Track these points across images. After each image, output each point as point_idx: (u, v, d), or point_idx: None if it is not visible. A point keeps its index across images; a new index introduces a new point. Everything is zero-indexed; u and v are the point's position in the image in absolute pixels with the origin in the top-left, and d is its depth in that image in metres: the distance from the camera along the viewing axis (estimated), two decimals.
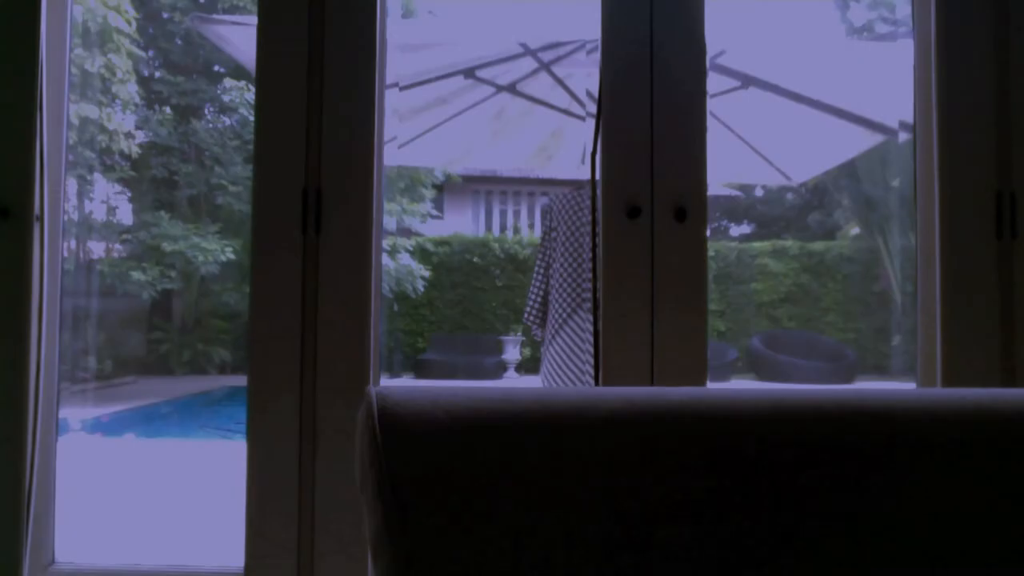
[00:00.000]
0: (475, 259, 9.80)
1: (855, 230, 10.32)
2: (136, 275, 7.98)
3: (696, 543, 0.61)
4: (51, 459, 1.74)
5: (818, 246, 9.92)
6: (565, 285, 3.24)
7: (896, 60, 3.87)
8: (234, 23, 4.13)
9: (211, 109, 9.08)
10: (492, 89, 3.93)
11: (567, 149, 4.31)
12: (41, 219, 1.61)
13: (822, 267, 9.73)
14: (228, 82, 8.65)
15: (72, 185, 7.73)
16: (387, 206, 8.86)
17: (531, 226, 11.41)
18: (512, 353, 9.14)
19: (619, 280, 1.63)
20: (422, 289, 9.40)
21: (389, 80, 1.76)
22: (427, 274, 9.44)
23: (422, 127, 4.04)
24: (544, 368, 3.33)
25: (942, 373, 1.65)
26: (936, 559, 0.63)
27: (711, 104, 1.82)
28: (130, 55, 7.84)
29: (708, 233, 1.70)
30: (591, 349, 3.03)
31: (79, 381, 7.62)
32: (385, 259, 8.27)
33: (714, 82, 3.79)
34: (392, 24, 1.78)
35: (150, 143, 8.52)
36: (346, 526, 1.62)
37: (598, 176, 1.68)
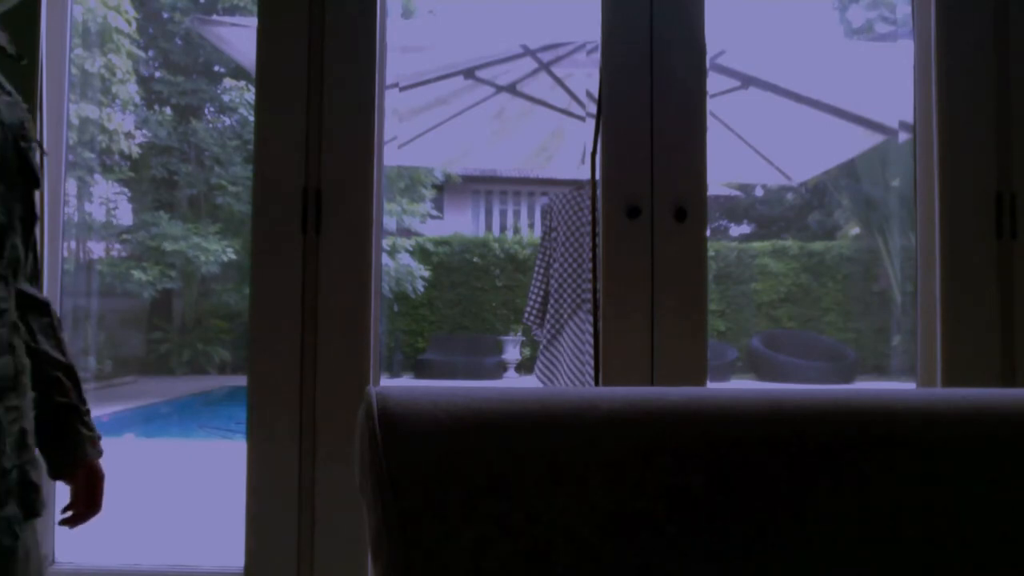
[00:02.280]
0: (475, 259, 9.80)
1: (855, 230, 10.32)
2: (136, 275, 7.98)
3: (697, 543, 0.61)
4: None
5: (818, 246, 9.92)
6: (565, 285, 3.24)
7: (896, 60, 3.87)
8: (233, 24, 4.13)
9: (211, 109, 9.09)
10: (492, 89, 3.93)
11: (567, 149, 4.31)
12: (41, 219, 1.60)
13: (822, 267, 9.73)
14: (228, 82, 8.65)
15: (72, 185, 7.73)
16: (387, 206, 8.86)
17: (531, 226, 11.41)
18: (512, 353, 9.14)
19: (619, 280, 1.63)
20: (422, 289, 9.40)
21: (389, 80, 1.76)
22: (427, 274, 9.44)
23: (422, 127, 4.04)
24: (540, 367, 3.33)
25: (942, 373, 1.64)
26: (936, 558, 0.63)
27: (711, 104, 1.82)
28: (130, 55, 7.84)
29: (708, 233, 1.69)
30: (591, 349, 3.04)
31: None
32: (385, 259, 8.27)
33: (714, 82, 3.79)
34: (392, 24, 1.78)
35: (150, 143, 8.52)
36: (346, 526, 1.62)
37: (598, 176, 1.68)
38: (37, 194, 0.98)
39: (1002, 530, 0.64)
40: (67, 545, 1.79)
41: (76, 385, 1.09)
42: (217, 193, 8.50)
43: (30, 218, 0.97)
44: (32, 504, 0.96)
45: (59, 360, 1.07)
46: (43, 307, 1.08)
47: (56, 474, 1.09)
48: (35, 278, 1.08)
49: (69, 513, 1.11)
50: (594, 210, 1.70)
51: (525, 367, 9.09)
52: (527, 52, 3.77)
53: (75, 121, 7.23)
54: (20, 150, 0.93)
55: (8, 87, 0.98)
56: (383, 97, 1.70)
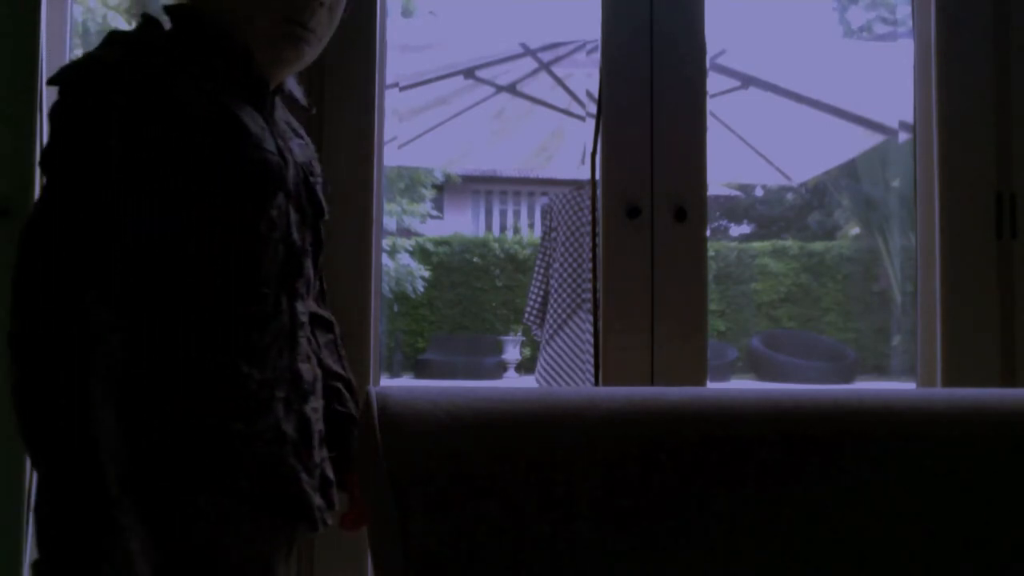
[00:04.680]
0: (475, 259, 9.79)
1: (855, 230, 10.32)
2: None
3: (698, 541, 0.61)
4: None
5: (818, 246, 9.92)
6: (565, 285, 3.25)
7: (896, 60, 3.87)
8: None
9: None
10: (492, 89, 3.93)
11: (567, 149, 4.30)
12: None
13: (822, 267, 9.73)
14: None
15: None
16: (387, 206, 8.84)
17: (531, 226, 11.41)
18: (512, 353, 9.14)
19: (619, 280, 1.63)
20: (422, 289, 9.39)
21: (389, 80, 1.76)
22: (427, 274, 9.43)
23: (422, 127, 4.04)
24: (541, 367, 3.33)
25: (942, 373, 1.64)
26: (936, 555, 0.63)
27: (711, 104, 1.82)
28: None
29: (708, 233, 1.69)
30: (591, 349, 3.04)
31: None
32: (385, 259, 8.26)
33: (714, 82, 3.79)
34: (392, 24, 1.78)
35: None
36: None
37: (598, 176, 1.68)
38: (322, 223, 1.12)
39: (1002, 528, 0.64)
40: None
41: (355, 398, 1.22)
42: None
43: (317, 244, 1.10)
44: (329, 497, 1.07)
45: (340, 373, 1.20)
46: (329, 325, 1.23)
47: (338, 484, 1.21)
48: (322, 299, 1.25)
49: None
50: (594, 210, 1.70)
51: (525, 367, 9.08)
52: (527, 52, 3.77)
53: None
54: (309, 184, 1.06)
55: (301, 131, 1.13)
56: (383, 97, 1.70)
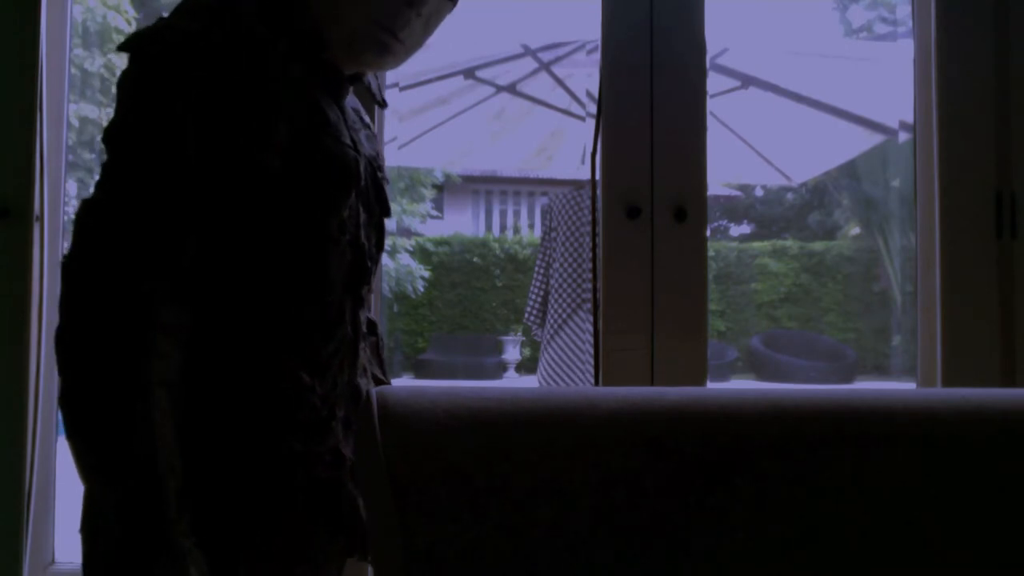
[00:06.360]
0: (475, 259, 9.79)
1: (855, 230, 10.31)
2: None
3: (697, 543, 0.61)
4: (51, 459, 1.74)
5: (818, 246, 9.92)
6: (565, 285, 3.25)
7: (896, 60, 3.87)
8: None
9: None
10: (492, 89, 3.93)
11: (567, 149, 4.31)
12: (41, 219, 1.60)
13: (822, 267, 9.73)
14: None
15: (72, 186, 7.72)
16: None
17: (531, 226, 11.40)
18: (512, 353, 9.14)
19: (619, 280, 1.63)
20: (422, 289, 9.39)
21: (389, 80, 1.76)
22: (427, 274, 9.43)
23: (422, 127, 4.04)
24: (542, 368, 3.33)
25: (942, 373, 1.64)
26: (934, 558, 0.63)
27: (711, 104, 1.82)
28: None
29: (708, 233, 1.69)
30: (591, 349, 3.04)
31: None
32: (385, 259, 8.26)
33: (714, 82, 3.79)
34: None
35: None
36: None
37: (598, 176, 1.68)
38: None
39: (1002, 529, 0.64)
40: (67, 545, 1.79)
41: None
42: None
43: (380, 244, 1.01)
44: None
45: (380, 379, 1.12)
46: (372, 326, 1.12)
47: None
48: None
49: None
50: (594, 210, 1.70)
51: (525, 367, 9.08)
52: (527, 52, 3.77)
53: (75, 122, 7.22)
54: (377, 180, 0.98)
55: (368, 120, 1.02)
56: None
